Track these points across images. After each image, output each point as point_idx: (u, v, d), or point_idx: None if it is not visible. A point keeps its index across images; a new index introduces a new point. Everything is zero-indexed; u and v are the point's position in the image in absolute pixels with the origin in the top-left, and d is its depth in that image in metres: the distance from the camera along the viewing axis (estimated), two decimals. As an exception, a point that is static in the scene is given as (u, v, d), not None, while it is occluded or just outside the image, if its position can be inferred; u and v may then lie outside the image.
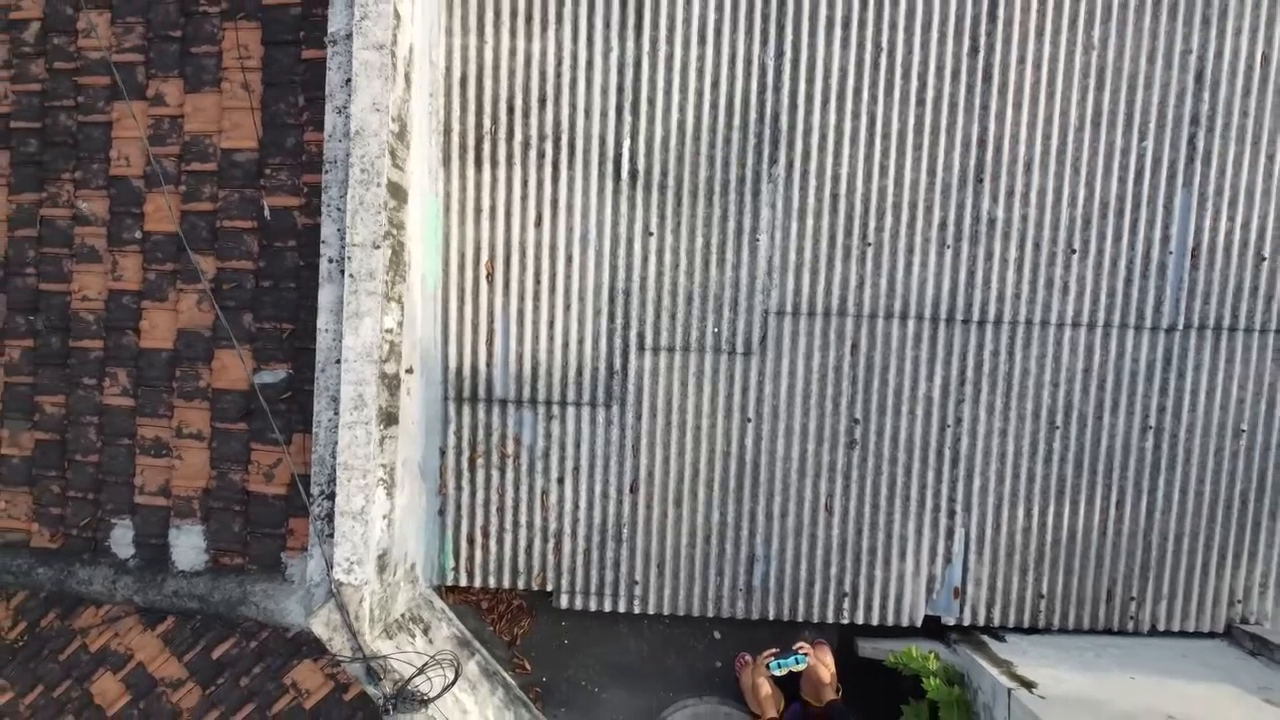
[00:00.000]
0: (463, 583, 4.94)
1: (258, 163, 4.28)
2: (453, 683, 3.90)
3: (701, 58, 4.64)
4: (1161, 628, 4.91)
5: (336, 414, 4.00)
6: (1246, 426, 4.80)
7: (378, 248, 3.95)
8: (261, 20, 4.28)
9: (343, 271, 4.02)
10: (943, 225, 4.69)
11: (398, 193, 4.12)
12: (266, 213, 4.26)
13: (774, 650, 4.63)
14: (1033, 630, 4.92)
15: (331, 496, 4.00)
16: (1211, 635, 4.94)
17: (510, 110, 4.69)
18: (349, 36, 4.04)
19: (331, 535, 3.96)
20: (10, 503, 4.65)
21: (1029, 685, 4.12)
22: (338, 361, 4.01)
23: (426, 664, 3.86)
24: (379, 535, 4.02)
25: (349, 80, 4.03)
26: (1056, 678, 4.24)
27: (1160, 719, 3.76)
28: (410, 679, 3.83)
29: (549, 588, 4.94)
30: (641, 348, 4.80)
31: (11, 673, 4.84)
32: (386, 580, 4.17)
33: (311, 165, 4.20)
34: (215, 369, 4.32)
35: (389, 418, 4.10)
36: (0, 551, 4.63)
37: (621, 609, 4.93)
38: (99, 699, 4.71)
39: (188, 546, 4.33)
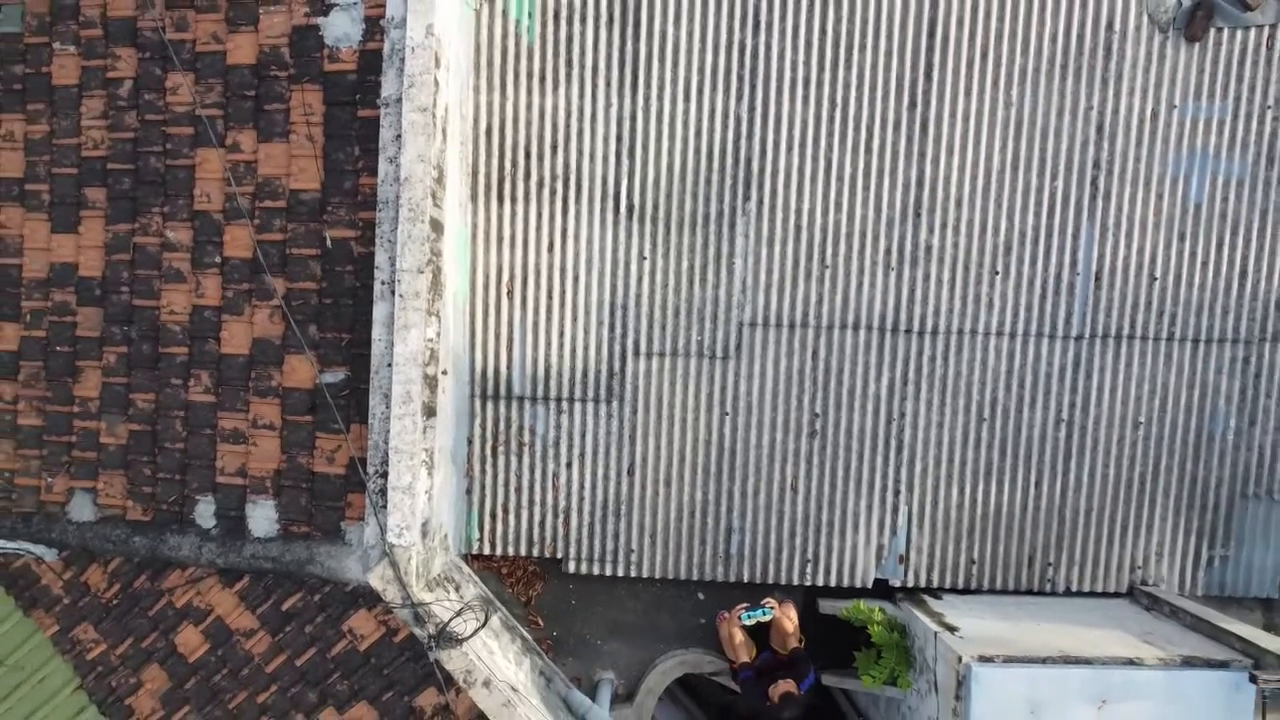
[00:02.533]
0: (486, 551, 5.85)
1: (320, 201, 5.19)
2: (484, 624, 4.82)
3: (687, 111, 5.56)
4: (1074, 589, 5.84)
5: (388, 408, 4.90)
6: (1144, 419, 5.73)
7: (422, 272, 4.86)
8: (323, 84, 5.19)
9: (393, 292, 4.93)
10: (888, 251, 5.62)
11: (437, 227, 5.03)
12: (328, 243, 5.17)
13: (745, 605, 5.56)
14: (966, 590, 5.85)
15: (384, 475, 4.91)
16: (1116, 595, 5.86)
17: (527, 155, 5.62)
18: (399, 100, 4.95)
19: (384, 506, 4.87)
20: (109, 483, 5.54)
21: (952, 629, 5.04)
22: (389, 365, 4.92)
23: (463, 609, 4.78)
24: (423, 506, 4.93)
25: (398, 136, 4.94)
26: (978, 625, 5.16)
27: (1053, 651, 4.68)
28: (450, 621, 4.75)
29: (559, 555, 5.87)
30: (637, 353, 5.72)
31: (106, 627, 5.73)
32: (428, 544, 5.08)
33: (366, 204, 5.11)
34: (285, 371, 5.22)
35: (429, 411, 5.01)
36: (101, 524, 5.53)
37: (620, 573, 5.86)
38: (182, 648, 5.62)
39: (262, 518, 5.24)
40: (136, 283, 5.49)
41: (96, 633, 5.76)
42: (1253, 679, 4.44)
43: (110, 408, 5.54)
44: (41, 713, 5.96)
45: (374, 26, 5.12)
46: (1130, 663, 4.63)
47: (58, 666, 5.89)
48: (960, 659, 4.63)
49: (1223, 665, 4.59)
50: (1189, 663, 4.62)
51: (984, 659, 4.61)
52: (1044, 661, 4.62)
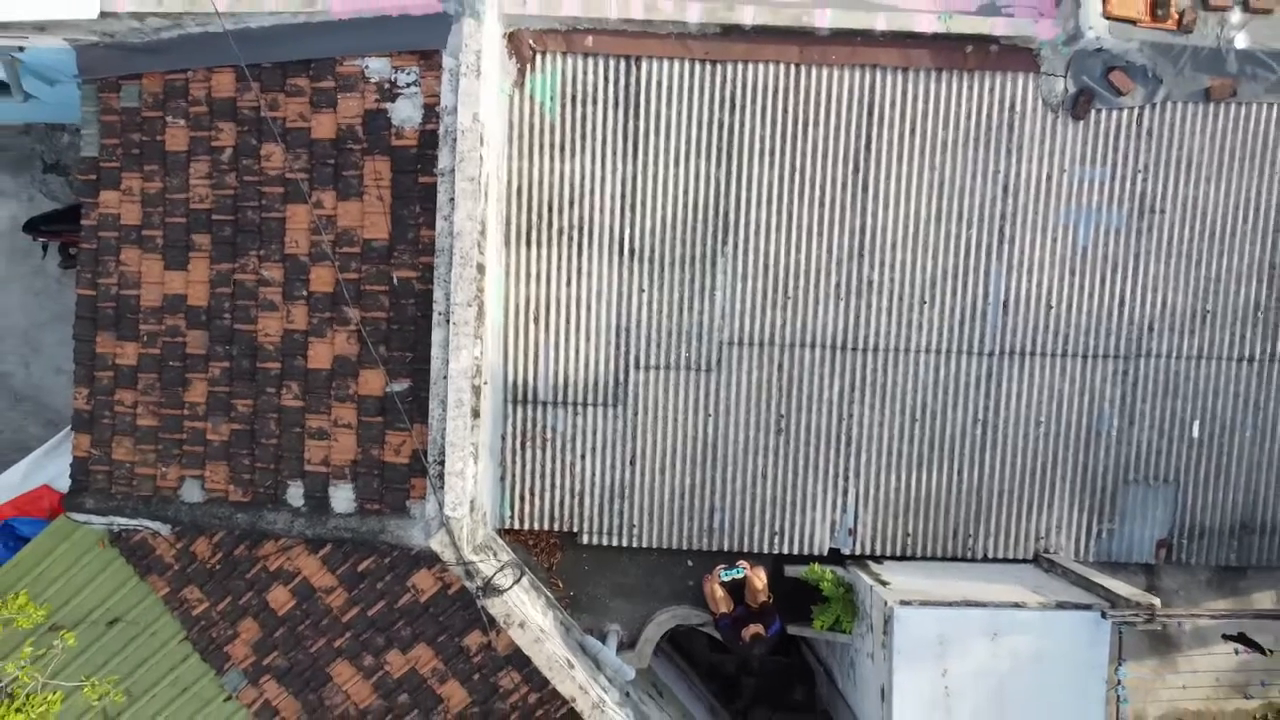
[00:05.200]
0: (516, 526, 7.26)
1: (388, 248, 6.57)
2: (520, 578, 6.22)
3: (677, 175, 6.97)
4: (990, 556, 7.25)
5: (444, 411, 6.27)
6: (1044, 419, 7.15)
7: (470, 305, 6.25)
8: (391, 156, 6.57)
9: (447, 320, 6.31)
10: (838, 285, 7.03)
11: (481, 269, 6.41)
12: (395, 281, 6.56)
13: (723, 564, 6.97)
14: (902, 557, 7.25)
15: (441, 463, 6.28)
16: (1024, 561, 7.26)
17: (550, 209, 7.02)
18: (452, 171, 6.34)
19: (441, 488, 6.24)
20: (214, 471, 6.89)
21: (884, 583, 6.44)
22: (444, 378, 6.29)
23: (504, 566, 6.17)
24: (471, 488, 6.31)
25: (452, 199, 6.33)
26: (906, 580, 6.57)
27: (957, 596, 6.08)
28: (494, 575, 6.14)
29: (575, 530, 7.27)
30: (638, 366, 7.13)
31: (209, 588, 7.07)
32: (474, 518, 6.47)
33: (425, 251, 6.49)
34: (360, 382, 6.60)
35: (475, 413, 6.39)
36: (207, 504, 6.89)
37: (625, 544, 7.27)
38: (272, 604, 6.97)
39: (342, 498, 6.62)
40: (237, 311, 6.85)
41: (200, 593, 7.07)
42: (1103, 615, 5.84)
43: (215, 411, 6.89)
44: (152, 660, 7.29)
45: (431, 112, 6.51)
46: (1016, 605, 6.03)
47: (167, 622, 7.21)
48: (886, 603, 6.03)
49: (1086, 607, 5.99)
50: (1061, 605, 6.02)
51: (904, 603, 6.01)
52: (950, 604, 6.02)
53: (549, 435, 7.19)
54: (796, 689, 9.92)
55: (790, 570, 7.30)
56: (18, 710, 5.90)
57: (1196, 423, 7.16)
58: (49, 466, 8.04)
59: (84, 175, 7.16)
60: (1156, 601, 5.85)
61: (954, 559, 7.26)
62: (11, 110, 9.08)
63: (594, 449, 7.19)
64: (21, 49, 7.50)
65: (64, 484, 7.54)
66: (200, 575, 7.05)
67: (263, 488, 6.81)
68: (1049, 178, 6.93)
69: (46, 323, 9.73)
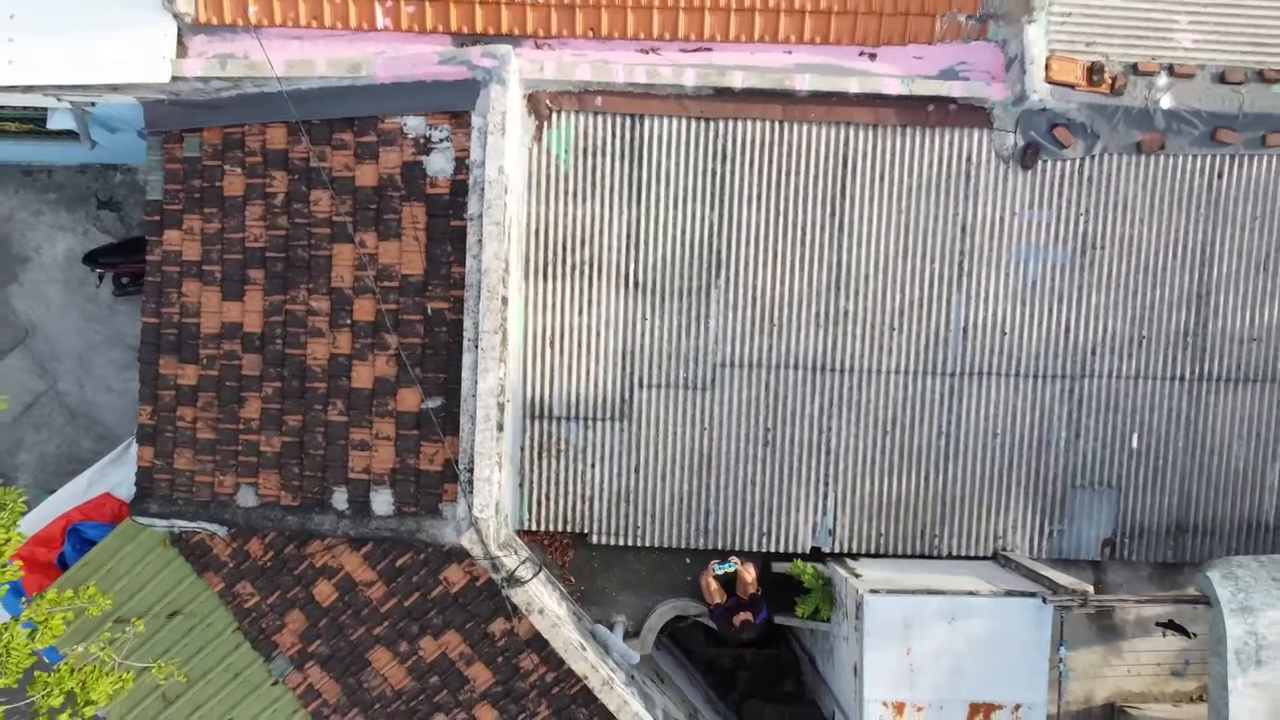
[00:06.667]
0: (533, 528, 8.17)
1: (423, 283, 7.50)
2: (539, 571, 7.12)
3: (676, 217, 7.93)
4: (954, 553, 8.17)
5: (473, 425, 7.18)
6: (1000, 432, 8.09)
7: (496, 333, 7.18)
8: (426, 202, 7.51)
9: (476, 346, 7.23)
10: (817, 314, 7.98)
11: (505, 301, 7.34)
12: (429, 312, 7.49)
13: (716, 559, 7.88)
14: (876, 555, 8.16)
15: (470, 470, 7.18)
16: (985, 558, 8.17)
17: (564, 247, 7.97)
18: (480, 216, 7.28)
19: (471, 492, 7.15)
20: (267, 479, 7.78)
21: (857, 575, 7.35)
22: (473, 396, 7.20)
23: (525, 559, 7.08)
24: (496, 492, 7.21)
25: (480, 240, 7.26)
26: (876, 573, 7.48)
27: (920, 585, 7.00)
28: (517, 568, 7.05)
29: (586, 531, 8.17)
30: (641, 385, 8.06)
31: (260, 584, 7.94)
32: (498, 519, 7.37)
33: (456, 285, 7.42)
34: (398, 399, 7.52)
35: (500, 427, 7.29)
36: (260, 508, 7.78)
37: (630, 544, 8.17)
38: (318, 597, 7.84)
39: (382, 502, 7.52)
40: (287, 337, 7.75)
41: (252, 588, 7.93)
42: (1045, 600, 6.75)
43: (267, 426, 7.79)
44: (208, 648, 8.14)
45: (461, 164, 7.46)
46: (970, 593, 6.95)
47: (221, 614, 8.05)
48: (858, 591, 6.94)
49: (1030, 594, 6.91)
50: (1009, 593, 6.94)
51: (874, 591, 6.92)
52: (913, 592, 6.93)
53: (563, 446, 8.11)
54: (786, 681, 10.82)
55: (776, 566, 8.21)
56: (106, 674, 6.80)
57: (1135, 435, 8.09)
58: (111, 476, 8.96)
59: (149, 216, 8.07)
60: (1090, 589, 6.76)
61: (922, 556, 8.17)
62: (72, 152, 10.04)
63: (602, 459, 8.11)
64: (93, 104, 8.46)
65: (125, 491, 8.45)
66: (252, 572, 7.90)
67: (310, 493, 7.69)
68: (1002, 220, 7.89)
69: (99, 345, 10.64)
